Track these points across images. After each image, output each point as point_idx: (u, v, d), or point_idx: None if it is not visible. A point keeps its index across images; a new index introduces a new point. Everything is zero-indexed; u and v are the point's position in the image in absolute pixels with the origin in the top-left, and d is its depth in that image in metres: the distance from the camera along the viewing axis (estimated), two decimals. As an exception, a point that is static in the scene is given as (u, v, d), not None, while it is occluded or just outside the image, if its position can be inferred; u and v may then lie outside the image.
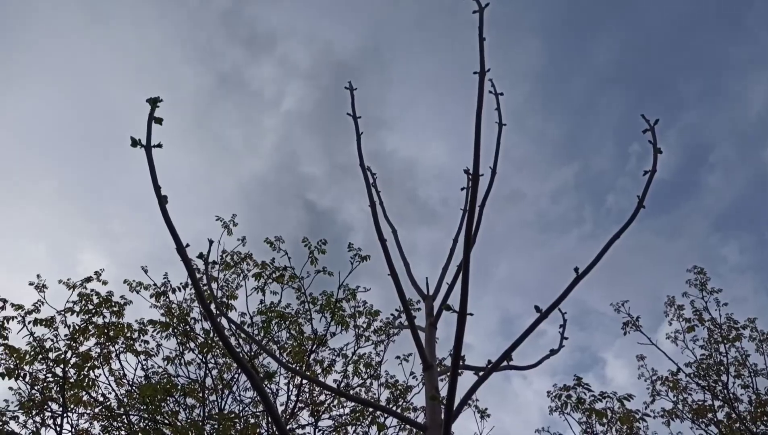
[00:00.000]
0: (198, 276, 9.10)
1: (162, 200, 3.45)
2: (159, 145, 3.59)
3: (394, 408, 10.13)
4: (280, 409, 9.55)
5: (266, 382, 8.01)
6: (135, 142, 3.54)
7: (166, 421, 8.66)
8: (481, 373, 4.13)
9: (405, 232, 5.88)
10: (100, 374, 8.67)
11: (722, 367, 9.18)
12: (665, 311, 10.69)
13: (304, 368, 9.00)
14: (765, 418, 9.17)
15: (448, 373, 3.89)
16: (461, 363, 4.49)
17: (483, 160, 3.86)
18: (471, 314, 3.52)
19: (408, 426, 9.18)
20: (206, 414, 8.55)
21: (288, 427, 9.41)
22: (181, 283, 9.14)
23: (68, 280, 8.87)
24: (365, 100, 5.07)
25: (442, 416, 3.90)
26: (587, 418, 7.71)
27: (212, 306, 8.66)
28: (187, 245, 3.43)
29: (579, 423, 8.48)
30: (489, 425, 10.28)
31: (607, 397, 7.59)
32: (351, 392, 9.96)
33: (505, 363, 5.00)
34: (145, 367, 8.99)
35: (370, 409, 9.26)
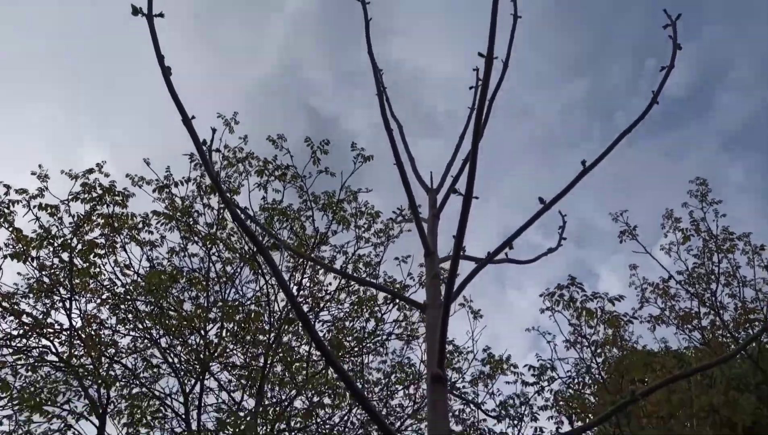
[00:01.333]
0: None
1: (166, 71, 3.35)
2: (161, 15, 3.46)
3: (391, 306, 10.54)
4: (281, 304, 9.92)
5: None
6: (136, 11, 3.40)
7: (171, 309, 8.98)
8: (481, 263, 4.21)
9: (408, 141, 5.84)
10: (105, 263, 8.91)
11: (713, 276, 9.42)
12: (662, 223, 10.84)
13: (305, 263, 9.22)
14: (747, 325, 9.54)
15: (449, 261, 3.97)
16: (462, 253, 4.56)
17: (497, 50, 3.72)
18: (476, 198, 3.54)
19: (406, 311, 9.61)
20: (210, 302, 8.84)
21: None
22: (183, 177, 9.15)
23: (70, 170, 8.90)
24: (372, 8, 4.84)
25: (442, 297, 4.02)
26: (577, 317, 8.01)
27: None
28: (193, 117, 3.38)
29: (569, 324, 8.81)
30: (481, 325, 10.74)
31: (598, 297, 7.87)
32: (350, 290, 10.31)
33: (504, 256, 5.09)
34: (150, 257, 9.20)
35: (368, 304, 9.59)
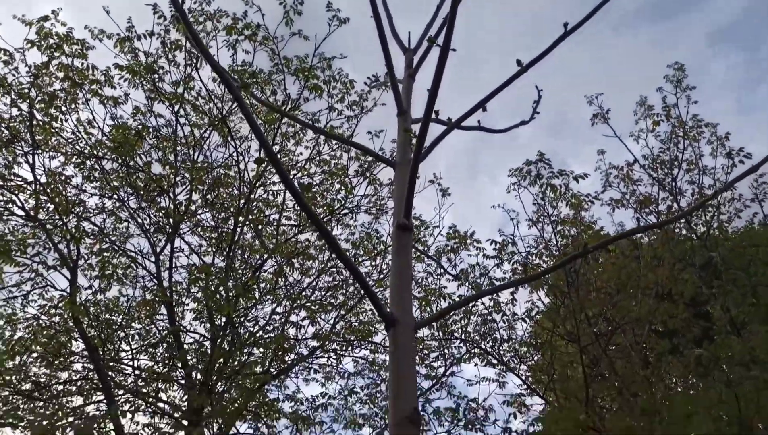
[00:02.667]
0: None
1: None
2: None
3: (362, 179, 10.64)
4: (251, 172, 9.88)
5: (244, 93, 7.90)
6: None
7: (139, 168, 8.88)
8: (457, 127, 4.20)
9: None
10: (67, 119, 8.61)
11: (675, 162, 9.67)
12: (635, 111, 10.88)
13: (276, 128, 9.08)
14: (701, 211, 10.01)
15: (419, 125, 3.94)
16: (435, 116, 4.52)
17: None
18: (454, 50, 3.46)
19: (377, 185, 9.75)
20: (179, 162, 8.75)
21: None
22: (146, 31, 8.63)
23: (23, 16, 8.30)
24: None
25: (412, 155, 4.06)
26: (542, 196, 8.24)
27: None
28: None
29: (533, 203, 9.07)
30: (448, 203, 11.01)
31: (564, 174, 8.06)
32: (320, 161, 10.30)
33: (477, 123, 5.08)
34: (114, 116, 8.89)
35: (339, 174, 9.65)
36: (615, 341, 9.99)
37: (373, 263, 11.09)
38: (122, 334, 8.80)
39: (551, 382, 8.28)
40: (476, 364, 9.37)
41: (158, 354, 9.05)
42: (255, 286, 8.24)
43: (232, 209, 9.09)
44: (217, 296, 6.78)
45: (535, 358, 9.86)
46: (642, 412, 6.86)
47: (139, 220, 9.89)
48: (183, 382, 9.17)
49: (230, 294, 6.72)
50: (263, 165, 8.23)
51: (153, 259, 9.95)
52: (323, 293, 10.28)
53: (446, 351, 9.86)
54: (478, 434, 9.01)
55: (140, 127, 7.90)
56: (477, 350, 9.15)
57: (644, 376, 8.59)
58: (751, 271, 9.51)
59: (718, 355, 8.43)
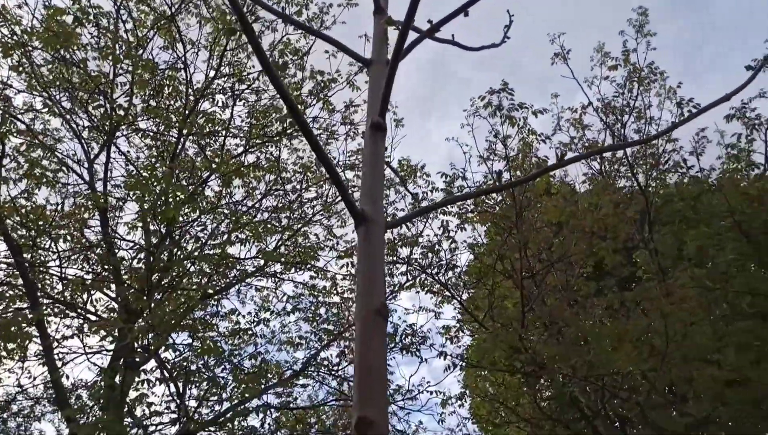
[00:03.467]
0: None
1: None
2: None
3: (316, 100, 10.29)
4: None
5: None
6: None
7: (75, 63, 8.16)
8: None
9: None
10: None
11: (626, 109, 9.87)
12: (591, 56, 10.93)
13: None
14: (643, 160, 10.37)
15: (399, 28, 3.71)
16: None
17: None
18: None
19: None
20: (120, 60, 8.06)
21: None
22: None
23: None
24: None
25: (389, 55, 3.84)
26: (501, 125, 8.20)
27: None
28: None
29: (489, 131, 9.02)
30: (401, 134, 10.89)
31: (524, 107, 8.04)
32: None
33: (451, 37, 4.87)
34: (47, 3, 8.02)
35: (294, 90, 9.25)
36: (548, 281, 10.39)
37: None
38: (49, 241, 8.29)
39: (490, 310, 8.55)
40: (417, 292, 9.54)
41: (90, 262, 8.62)
42: (198, 199, 7.88)
43: (174, 118, 8.54)
44: (162, 200, 6.39)
45: (474, 290, 10.13)
46: (571, 341, 7.22)
47: (72, 124, 9.21)
48: (114, 295, 8.84)
49: (177, 195, 6.35)
50: (234, 35, 7.64)
51: (86, 165, 9.36)
52: (269, 215, 10.02)
53: (388, 277, 9.96)
54: (413, 357, 9.29)
55: (78, 13, 7.14)
56: (422, 276, 9.28)
57: (572, 313, 8.99)
58: (677, 224, 10.01)
59: (639, 299, 8.94)
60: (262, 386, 6.61)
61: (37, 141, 8.52)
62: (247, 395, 6.64)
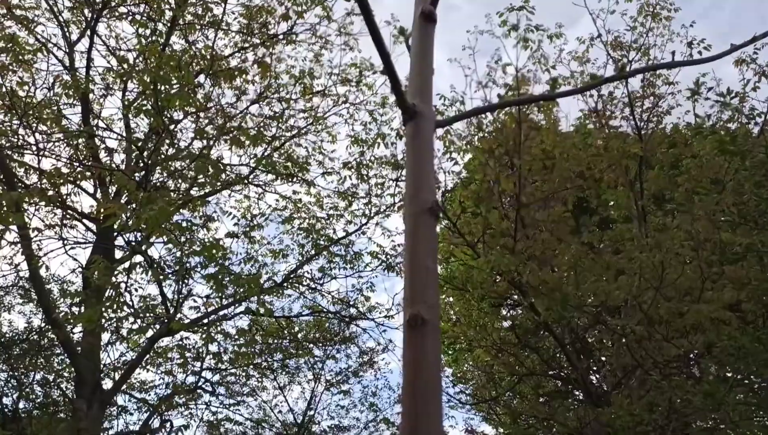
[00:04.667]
0: None
1: None
2: None
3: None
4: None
5: None
6: None
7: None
8: None
9: None
10: None
11: (635, 44, 9.60)
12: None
13: None
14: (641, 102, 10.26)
15: None
16: None
17: None
18: None
19: None
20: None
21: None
22: None
23: None
24: None
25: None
26: (514, 47, 7.82)
27: None
28: None
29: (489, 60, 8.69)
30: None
31: (541, 29, 7.73)
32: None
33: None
34: None
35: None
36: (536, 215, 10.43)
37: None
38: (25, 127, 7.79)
39: (483, 235, 8.58)
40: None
41: (69, 151, 8.19)
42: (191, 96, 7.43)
43: (166, 3, 7.90)
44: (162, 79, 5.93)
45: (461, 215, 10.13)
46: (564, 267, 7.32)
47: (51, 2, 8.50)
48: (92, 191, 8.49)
49: (181, 76, 5.91)
50: None
51: (66, 50, 8.75)
52: (260, 122, 9.64)
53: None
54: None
55: None
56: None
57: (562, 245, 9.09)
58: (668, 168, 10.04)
59: (616, 239, 9.08)
60: (261, 286, 6.52)
61: (10, 14, 7.83)
62: (246, 295, 6.56)
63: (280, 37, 9.44)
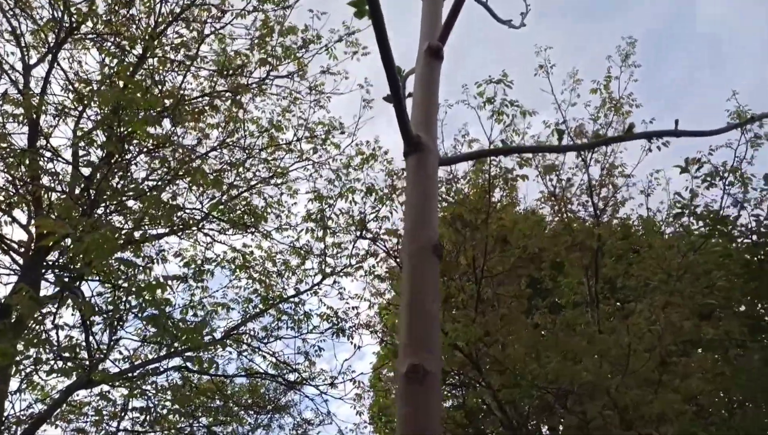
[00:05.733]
0: None
1: None
2: None
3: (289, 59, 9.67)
4: None
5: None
6: None
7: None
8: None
9: None
10: None
11: (599, 136, 9.95)
12: (564, 80, 10.99)
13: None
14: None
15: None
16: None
17: None
18: None
19: None
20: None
21: None
22: None
23: None
24: None
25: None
26: (489, 119, 7.93)
27: None
28: None
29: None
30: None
31: (516, 105, 7.86)
32: None
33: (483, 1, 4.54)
34: None
35: None
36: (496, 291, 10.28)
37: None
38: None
39: (445, 303, 8.32)
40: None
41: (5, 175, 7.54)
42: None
43: (140, 34, 7.64)
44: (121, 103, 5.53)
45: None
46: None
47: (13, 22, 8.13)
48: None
49: (147, 101, 5.52)
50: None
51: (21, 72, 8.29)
52: (221, 166, 9.27)
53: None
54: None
55: None
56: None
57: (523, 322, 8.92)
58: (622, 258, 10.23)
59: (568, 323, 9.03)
60: (204, 338, 5.92)
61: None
62: (185, 346, 5.93)
63: (252, 85, 9.30)
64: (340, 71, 10.18)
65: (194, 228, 9.22)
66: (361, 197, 8.89)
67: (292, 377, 9.99)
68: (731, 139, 8.69)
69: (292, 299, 9.19)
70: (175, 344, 5.75)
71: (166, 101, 8.06)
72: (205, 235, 9.72)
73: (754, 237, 6.37)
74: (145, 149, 7.48)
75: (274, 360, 9.35)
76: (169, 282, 4.61)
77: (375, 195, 8.74)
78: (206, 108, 8.09)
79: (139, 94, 5.78)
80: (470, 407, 10.53)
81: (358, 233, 8.84)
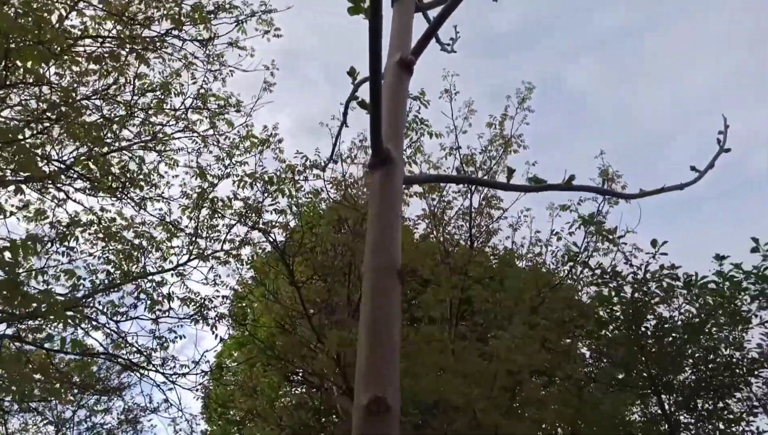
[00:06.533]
0: None
1: None
2: None
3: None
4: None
5: None
6: None
7: None
8: None
9: None
10: None
11: (484, 166, 10.52)
12: (460, 108, 11.50)
13: None
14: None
15: None
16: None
17: None
18: None
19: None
20: None
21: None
22: None
23: None
24: None
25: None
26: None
27: None
28: None
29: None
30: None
31: (425, 124, 7.98)
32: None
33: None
34: None
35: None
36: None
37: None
38: None
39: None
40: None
41: None
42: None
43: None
44: None
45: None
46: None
47: None
48: None
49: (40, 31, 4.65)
50: None
51: None
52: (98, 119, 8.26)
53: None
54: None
55: None
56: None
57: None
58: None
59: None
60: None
61: None
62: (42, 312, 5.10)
63: (152, 38, 8.44)
64: (245, 47, 9.66)
65: (49, 181, 8.15)
66: (258, 184, 8.44)
67: (135, 359, 9.21)
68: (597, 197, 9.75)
69: (153, 278, 8.47)
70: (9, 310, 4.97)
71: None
72: (59, 189, 8.63)
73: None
74: (19, 83, 6.44)
75: (118, 339, 8.53)
76: (30, 243, 3.95)
77: (274, 185, 8.35)
78: (105, 55, 7.14)
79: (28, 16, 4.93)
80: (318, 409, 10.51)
81: (246, 221, 8.39)
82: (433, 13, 3.61)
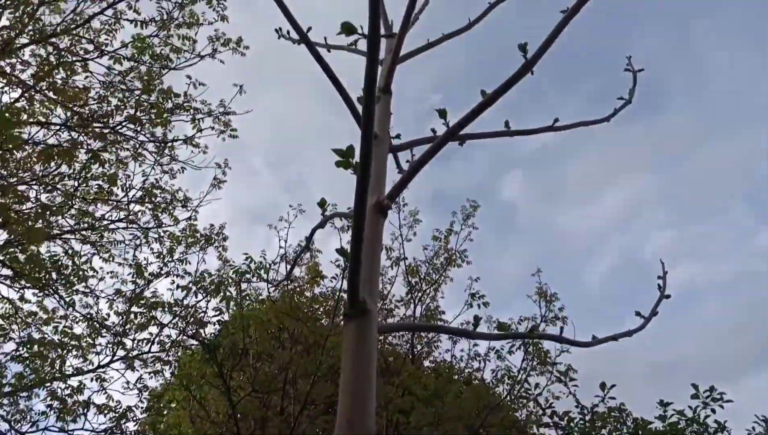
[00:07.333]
0: None
1: None
2: None
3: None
4: None
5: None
6: None
7: None
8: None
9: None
10: None
11: (427, 277, 10.59)
12: (405, 216, 11.75)
13: None
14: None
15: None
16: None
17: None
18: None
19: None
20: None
21: None
22: None
23: None
24: None
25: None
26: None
27: None
28: None
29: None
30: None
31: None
32: None
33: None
34: None
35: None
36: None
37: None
38: None
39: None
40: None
41: None
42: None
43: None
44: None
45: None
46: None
47: None
48: None
49: None
50: None
51: None
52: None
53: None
54: None
55: None
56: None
57: None
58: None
59: None
60: None
61: None
62: None
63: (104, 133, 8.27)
64: (199, 144, 9.62)
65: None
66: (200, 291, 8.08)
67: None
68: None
69: (68, 383, 7.69)
70: None
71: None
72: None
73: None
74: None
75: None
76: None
77: (219, 293, 8.02)
78: (55, 150, 6.91)
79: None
80: None
81: (180, 324, 7.92)
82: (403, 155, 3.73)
